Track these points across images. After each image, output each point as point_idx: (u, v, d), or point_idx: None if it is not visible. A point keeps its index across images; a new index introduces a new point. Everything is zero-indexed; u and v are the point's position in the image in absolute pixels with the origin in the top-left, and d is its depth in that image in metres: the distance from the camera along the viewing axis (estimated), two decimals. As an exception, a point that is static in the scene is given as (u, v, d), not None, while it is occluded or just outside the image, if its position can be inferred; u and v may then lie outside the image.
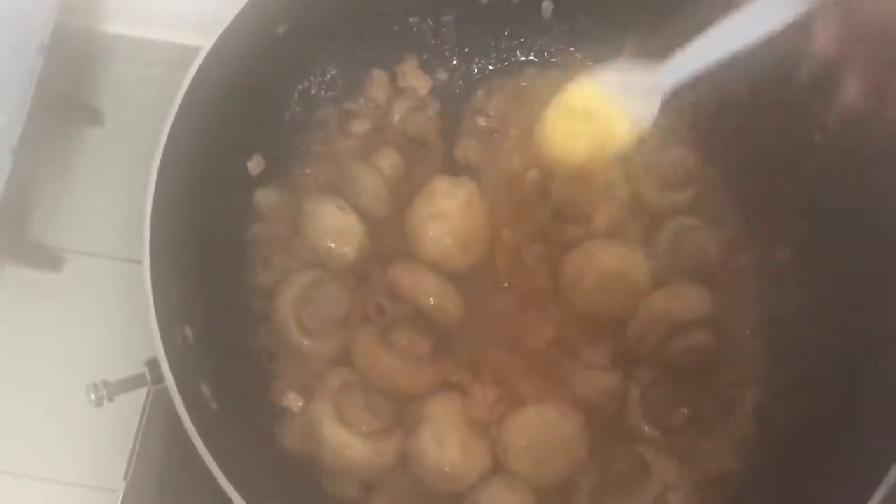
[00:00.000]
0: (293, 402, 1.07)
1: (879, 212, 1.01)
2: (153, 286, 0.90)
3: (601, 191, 1.14)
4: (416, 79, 1.23)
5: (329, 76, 1.22)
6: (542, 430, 1.03)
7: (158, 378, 0.90)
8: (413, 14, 1.23)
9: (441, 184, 1.14)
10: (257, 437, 1.04)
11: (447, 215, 1.12)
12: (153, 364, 0.91)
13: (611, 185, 1.15)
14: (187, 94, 0.97)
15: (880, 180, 1.00)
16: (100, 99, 1.46)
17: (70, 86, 1.43)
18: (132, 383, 0.95)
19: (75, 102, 1.45)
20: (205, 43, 0.98)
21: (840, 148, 1.04)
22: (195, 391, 0.93)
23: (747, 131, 1.16)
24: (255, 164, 1.16)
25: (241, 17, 1.00)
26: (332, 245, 1.12)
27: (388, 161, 1.18)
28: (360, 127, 1.22)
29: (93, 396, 0.94)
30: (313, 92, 1.22)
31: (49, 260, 1.41)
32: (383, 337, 1.07)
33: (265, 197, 1.16)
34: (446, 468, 1.01)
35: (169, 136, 0.95)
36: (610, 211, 1.15)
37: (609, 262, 1.10)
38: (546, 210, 1.15)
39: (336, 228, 1.12)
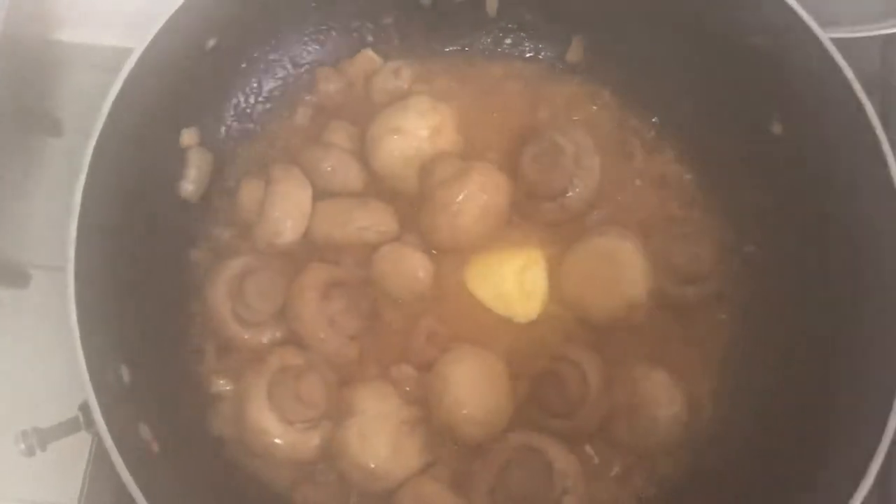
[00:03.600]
0: (223, 386, 1.04)
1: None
2: (80, 323, 0.83)
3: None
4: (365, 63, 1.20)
5: (266, 84, 1.19)
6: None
7: (93, 422, 0.83)
8: (354, 18, 1.20)
9: (421, 102, 1.11)
10: (205, 478, 0.98)
11: (408, 134, 1.09)
12: (87, 407, 0.84)
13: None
14: (117, 99, 0.93)
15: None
16: (59, 108, 1.40)
17: (27, 96, 1.37)
18: (66, 429, 0.88)
19: (34, 113, 1.39)
20: (137, 45, 0.94)
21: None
22: (133, 435, 0.86)
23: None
24: (190, 180, 1.11)
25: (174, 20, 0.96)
26: (282, 226, 1.07)
27: (342, 133, 1.14)
28: (304, 115, 1.19)
29: (23, 445, 0.87)
30: (250, 102, 1.19)
31: (13, 276, 1.33)
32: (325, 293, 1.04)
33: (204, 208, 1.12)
34: (371, 465, 0.98)
35: (94, 153, 0.90)
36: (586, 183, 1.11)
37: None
38: (518, 193, 1.11)
39: (290, 208, 1.08)
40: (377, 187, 1.13)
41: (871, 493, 0.84)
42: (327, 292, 1.04)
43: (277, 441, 0.99)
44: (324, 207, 1.10)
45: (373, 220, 1.09)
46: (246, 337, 1.05)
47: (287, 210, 1.07)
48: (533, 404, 1.03)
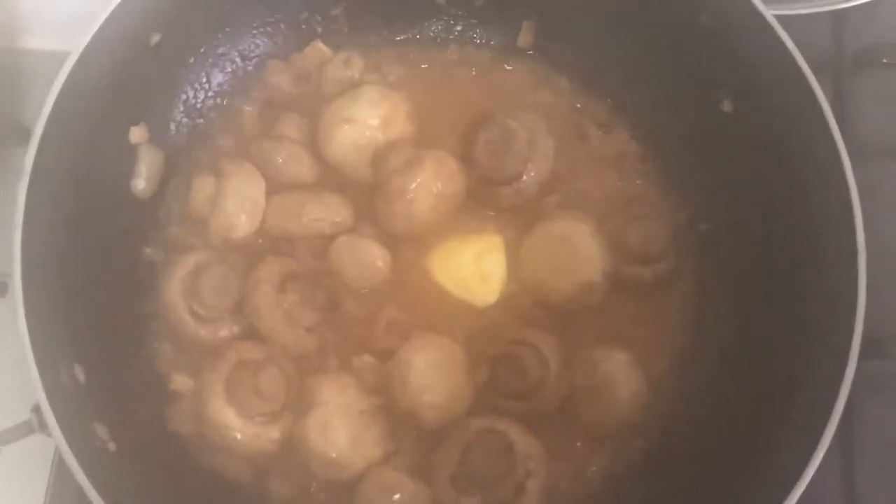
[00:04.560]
0: (182, 384, 1.03)
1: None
2: (28, 320, 0.82)
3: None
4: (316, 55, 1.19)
5: (215, 79, 1.18)
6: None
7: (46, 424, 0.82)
8: (303, 10, 1.20)
9: (372, 91, 1.11)
10: (166, 476, 0.97)
11: (359, 123, 1.09)
12: (39, 409, 0.83)
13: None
14: (57, 102, 0.92)
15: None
16: (27, 116, 1.38)
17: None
18: (19, 432, 0.87)
19: (6, 123, 1.37)
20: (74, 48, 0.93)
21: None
22: (89, 435, 0.86)
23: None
24: (142, 177, 1.09)
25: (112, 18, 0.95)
26: (235, 220, 1.07)
27: (293, 126, 1.13)
28: (254, 109, 1.18)
29: (-27, 449, 0.86)
30: (200, 98, 1.17)
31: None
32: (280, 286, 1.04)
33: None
34: (332, 455, 0.98)
35: (38, 151, 0.90)
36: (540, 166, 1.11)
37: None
38: (473, 179, 1.11)
39: (243, 203, 1.07)
40: (331, 178, 1.12)
41: (831, 447, 0.86)
42: (283, 285, 1.04)
43: (237, 435, 0.98)
44: (277, 201, 1.09)
45: (326, 212, 1.09)
46: (202, 333, 1.04)
47: (240, 204, 1.07)
48: (493, 388, 1.03)
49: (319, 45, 1.19)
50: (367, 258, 1.07)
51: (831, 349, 0.90)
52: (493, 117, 1.12)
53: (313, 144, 1.13)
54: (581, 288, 1.06)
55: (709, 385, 1.06)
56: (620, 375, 1.03)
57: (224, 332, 1.05)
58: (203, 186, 1.09)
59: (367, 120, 1.10)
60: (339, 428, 0.98)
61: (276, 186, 1.10)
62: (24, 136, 1.32)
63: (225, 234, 1.07)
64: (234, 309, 1.05)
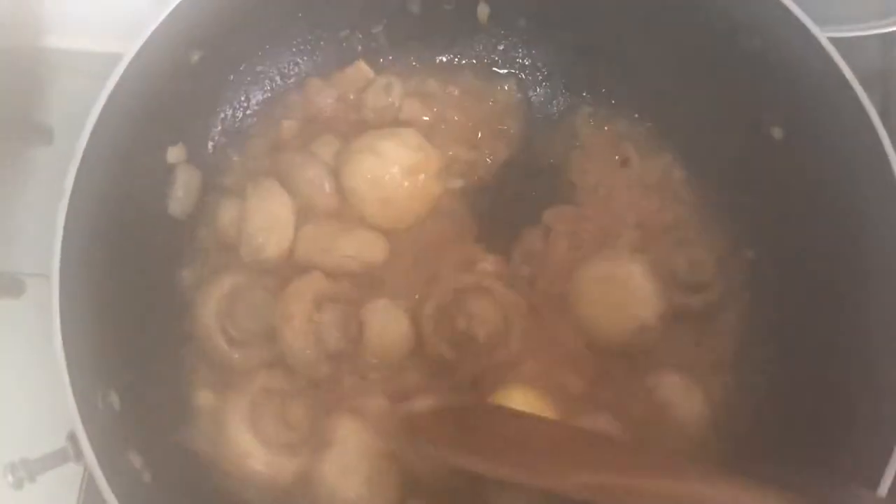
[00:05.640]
0: (206, 399, 1.01)
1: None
2: (65, 346, 0.80)
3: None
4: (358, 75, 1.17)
5: (254, 97, 1.17)
6: None
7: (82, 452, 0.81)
8: (343, 28, 1.18)
9: (411, 136, 1.09)
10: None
11: (387, 160, 1.06)
12: (76, 437, 0.81)
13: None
14: (98, 120, 0.90)
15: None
16: (48, 116, 1.38)
17: (16, 105, 1.34)
18: (55, 459, 0.85)
19: (23, 121, 1.37)
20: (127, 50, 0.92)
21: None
22: (124, 464, 0.84)
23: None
24: (178, 198, 1.08)
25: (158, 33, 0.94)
26: (262, 239, 1.04)
27: (329, 149, 1.11)
28: (291, 128, 1.15)
29: (11, 478, 0.84)
30: (238, 116, 1.16)
31: (6, 285, 1.31)
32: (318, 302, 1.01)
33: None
34: (352, 495, 0.95)
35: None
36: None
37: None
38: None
39: (267, 221, 1.05)
40: (349, 211, 1.09)
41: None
42: (321, 303, 1.01)
43: (254, 462, 0.96)
44: (309, 231, 1.07)
45: (358, 250, 1.06)
46: (235, 357, 1.02)
47: (262, 223, 1.05)
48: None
49: (362, 66, 1.17)
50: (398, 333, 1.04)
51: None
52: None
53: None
54: (636, 331, 1.03)
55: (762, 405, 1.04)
56: (679, 396, 1.01)
57: (255, 358, 1.03)
58: (228, 210, 1.07)
59: (396, 159, 1.07)
60: (357, 472, 0.96)
61: (302, 207, 1.08)
62: (43, 135, 1.34)
63: (255, 256, 1.05)
64: (268, 335, 1.02)
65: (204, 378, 1.04)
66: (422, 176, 1.08)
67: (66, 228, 0.85)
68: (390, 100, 1.15)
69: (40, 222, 1.27)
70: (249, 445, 0.96)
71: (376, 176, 1.07)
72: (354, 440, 0.97)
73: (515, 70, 1.22)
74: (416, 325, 1.04)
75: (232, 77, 1.13)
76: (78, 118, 1.32)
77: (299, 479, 0.98)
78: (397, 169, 1.07)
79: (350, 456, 0.97)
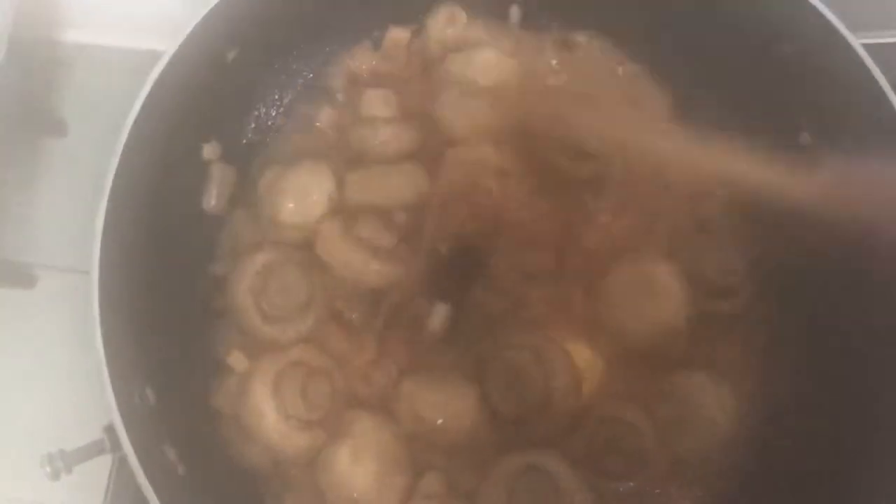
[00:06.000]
0: (238, 361, 1.03)
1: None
2: (104, 340, 0.81)
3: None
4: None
5: (287, 95, 1.18)
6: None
7: (119, 444, 0.82)
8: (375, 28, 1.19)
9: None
10: (230, 501, 0.96)
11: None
12: (112, 429, 0.82)
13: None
14: (138, 117, 0.91)
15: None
16: (63, 108, 1.39)
17: (33, 97, 1.36)
18: (91, 451, 0.86)
19: (39, 113, 1.39)
20: (167, 47, 0.93)
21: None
22: (159, 456, 0.85)
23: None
24: (213, 195, 1.10)
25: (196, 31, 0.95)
26: (291, 205, 1.07)
27: (379, 102, 1.13)
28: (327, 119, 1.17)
29: (48, 469, 0.85)
30: (272, 114, 1.18)
31: (19, 276, 1.32)
32: (347, 231, 1.04)
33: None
34: (354, 494, 0.96)
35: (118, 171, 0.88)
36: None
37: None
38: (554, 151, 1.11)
39: (300, 188, 1.08)
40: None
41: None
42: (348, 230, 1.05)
43: (267, 425, 0.97)
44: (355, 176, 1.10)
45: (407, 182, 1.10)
46: (270, 331, 1.03)
47: (295, 191, 1.07)
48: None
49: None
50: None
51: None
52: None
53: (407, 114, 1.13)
54: (664, 334, 1.04)
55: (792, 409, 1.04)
56: (708, 395, 1.01)
57: (291, 333, 1.04)
58: (266, 177, 1.10)
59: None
60: (368, 466, 0.97)
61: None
62: (58, 126, 1.36)
63: (275, 218, 1.07)
64: (302, 308, 1.04)
65: (238, 345, 1.05)
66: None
67: (105, 224, 0.86)
68: (455, 29, 1.17)
69: (54, 214, 1.32)
70: (266, 407, 0.97)
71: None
72: (372, 434, 0.98)
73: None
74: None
75: (267, 75, 1.15)
76: (92, 112, 1.35)
77: (308, 455, 0.99)
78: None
79: (364, 448, 0.97)
